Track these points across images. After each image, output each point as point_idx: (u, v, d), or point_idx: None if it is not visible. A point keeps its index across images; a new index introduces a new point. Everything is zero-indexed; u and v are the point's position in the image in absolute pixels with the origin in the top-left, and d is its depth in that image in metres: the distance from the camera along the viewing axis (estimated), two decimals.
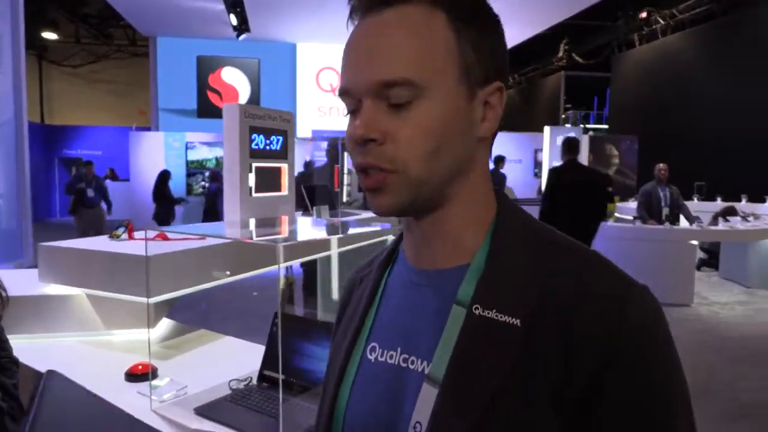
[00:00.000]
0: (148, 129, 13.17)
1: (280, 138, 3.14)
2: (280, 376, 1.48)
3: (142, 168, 11.97)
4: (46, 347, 2.10)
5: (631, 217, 7.09)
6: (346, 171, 6.22)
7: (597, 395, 0.54)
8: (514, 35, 10.39)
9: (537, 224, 0.65)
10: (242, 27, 11.44)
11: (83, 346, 2.16)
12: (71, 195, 8.46)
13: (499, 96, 0.63)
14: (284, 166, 3.18)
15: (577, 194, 4.76)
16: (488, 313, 0.59)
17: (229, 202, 2.89)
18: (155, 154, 12.06)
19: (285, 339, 1.82)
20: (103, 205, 8.64)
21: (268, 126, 3.03)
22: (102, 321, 2.24)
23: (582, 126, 18.19)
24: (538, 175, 13.78)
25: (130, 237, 2.47)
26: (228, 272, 2.27)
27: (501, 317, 0.58)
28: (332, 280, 3.64)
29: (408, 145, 0.58)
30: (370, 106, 0.59)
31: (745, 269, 7.35)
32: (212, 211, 8.14)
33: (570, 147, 4.94)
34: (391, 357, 0.66)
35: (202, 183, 11.73)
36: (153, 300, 2.04)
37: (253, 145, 2.93)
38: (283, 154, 3.17)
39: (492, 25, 0.63)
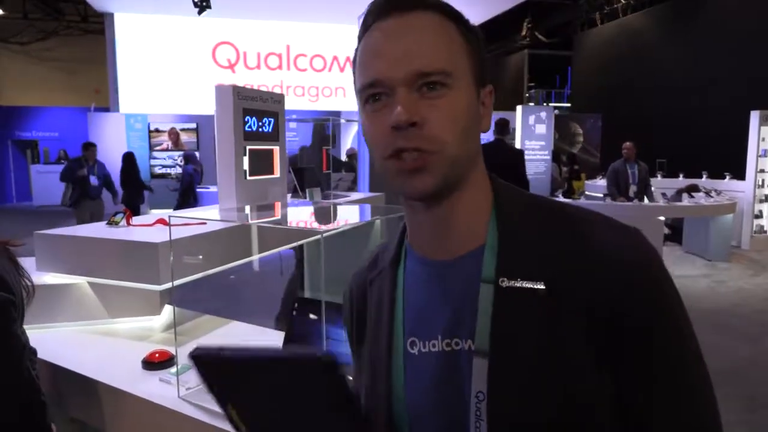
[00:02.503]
0: (106, 110, 12.71)
1: (272, 120, 3.10)
2: None
3: (104, 150, 11.56)
4: (51, 337, 2.05)
5: (601, 195, 7.29)
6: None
7: (619, 325, 0.62)
8: (478, 13, 10.34)
9: (532, 197, 0.73)
10: (203, 3, 11.10)
11: (89, 336, 2.11)
12: (69, 183, 7.12)
13: (491, 97, 0.73)
14: (276, 149, 3.14)
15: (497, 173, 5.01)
16: (514, 283, 0.65)
17: (224, 186, 2.85)
18: (117, 136, 11.68)
19: (305, 321, 1.82)
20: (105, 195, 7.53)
21: (261, 108, 2.99)
22: (106, 309, 2.20)
23: (553, 106, 18.42)
24: None
25: (128, 223, 2.42)
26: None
27: (526, 284, 0.65)
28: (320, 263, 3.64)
29: (443, 126, 0.64)
30: (405, 95, 0.64)
31: (707, 243, 7.67)
32: (189, 192, 7.92)
33: (497, 127, 5.35)
34: (434, 346, 0.71)
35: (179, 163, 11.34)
36: (165, 286, 2.01)
37: (246, 128, 2.89)
38: (275, 136, 3.13)
39: (482, 37, 0.72)
